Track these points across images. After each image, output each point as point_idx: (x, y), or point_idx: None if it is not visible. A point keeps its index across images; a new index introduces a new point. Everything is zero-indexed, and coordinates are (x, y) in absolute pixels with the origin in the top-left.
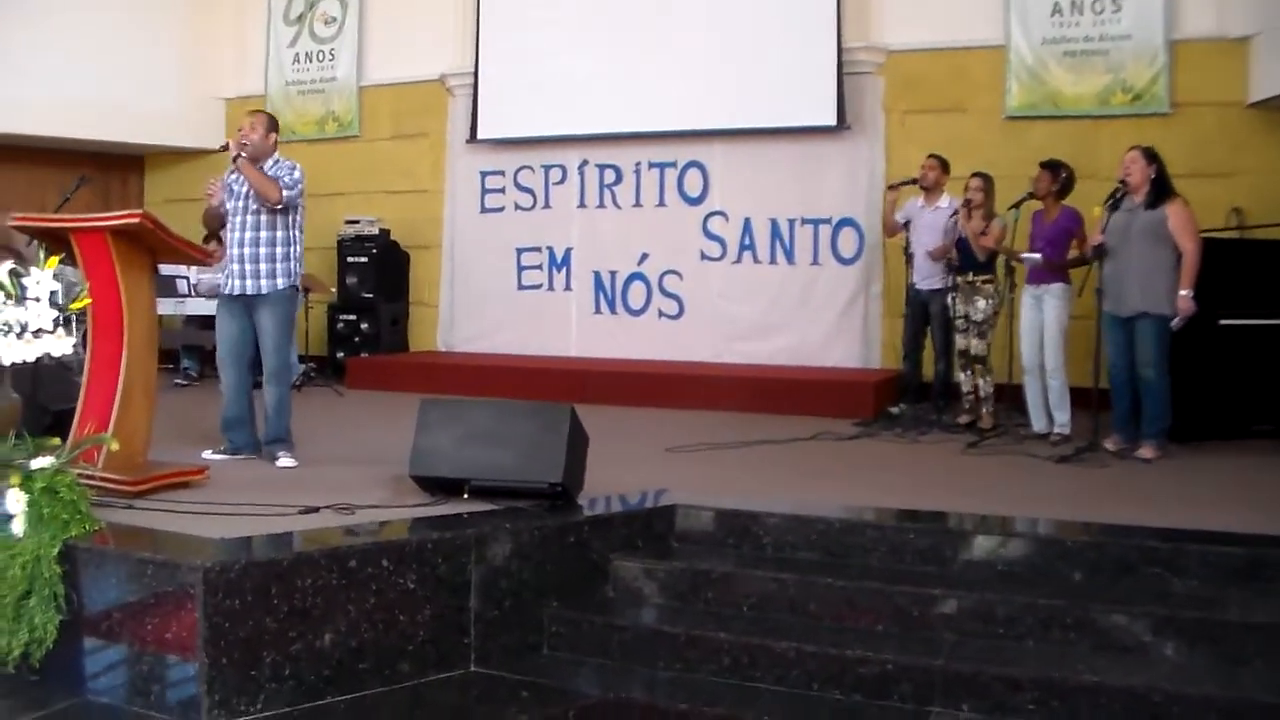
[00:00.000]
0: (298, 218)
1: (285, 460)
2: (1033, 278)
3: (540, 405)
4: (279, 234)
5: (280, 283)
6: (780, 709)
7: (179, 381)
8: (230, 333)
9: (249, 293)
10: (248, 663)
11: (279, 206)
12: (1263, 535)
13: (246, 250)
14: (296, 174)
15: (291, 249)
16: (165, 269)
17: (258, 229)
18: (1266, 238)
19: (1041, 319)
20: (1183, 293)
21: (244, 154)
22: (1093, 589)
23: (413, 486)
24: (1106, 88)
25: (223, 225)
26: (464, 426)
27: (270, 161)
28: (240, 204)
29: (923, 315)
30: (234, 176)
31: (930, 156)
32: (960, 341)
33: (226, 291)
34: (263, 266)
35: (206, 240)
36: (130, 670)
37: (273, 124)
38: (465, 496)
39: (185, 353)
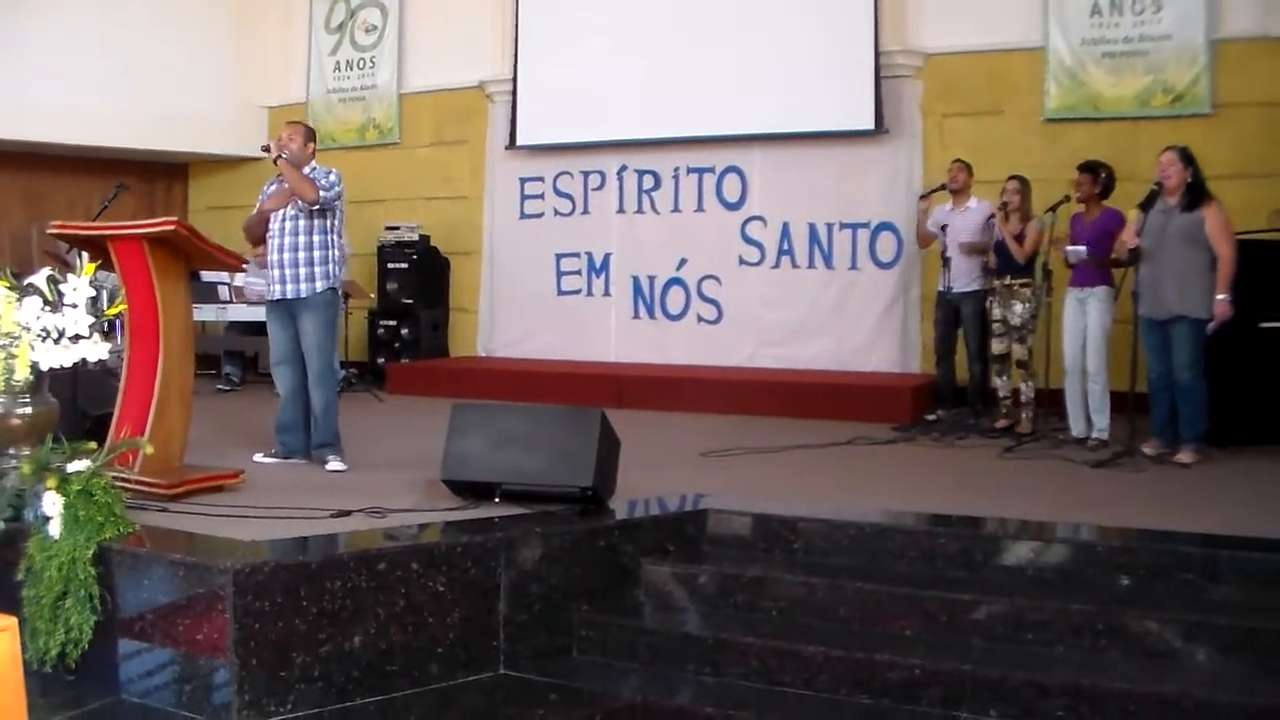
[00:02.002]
0: (336, 222)
1: (335, 464)
2: (1076, 280)
3: (571, 410)
4: (316, 238)
5: (319, 286)
6: (808, 713)
7: (221, 387)
8: (280, 338)
9: (289, 296)
10: (277, 664)
11: (316, 206)
12: None
13: (286, 255)
14: (333, 177)
15: (330, 252)
16: (207, 276)
17: (296, 234)
18: None
19: (1085, 322)
20: (1220, 297)
21: (285, 155)
22: (1125, 595)
23: (445, 491)
24: (1147, 89)
25: (265, 233)
26: (495, 431)
27: (308, 168)
28: (281, 211)
29: (954, 319)
30: (274, 186)
31: (956, 160)
32: (997, 345)
33: (270, 297)
34: (302, 270)
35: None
36: (163, 670)
37: (310, 134)
38: (496, 500)
39: (227, 359)
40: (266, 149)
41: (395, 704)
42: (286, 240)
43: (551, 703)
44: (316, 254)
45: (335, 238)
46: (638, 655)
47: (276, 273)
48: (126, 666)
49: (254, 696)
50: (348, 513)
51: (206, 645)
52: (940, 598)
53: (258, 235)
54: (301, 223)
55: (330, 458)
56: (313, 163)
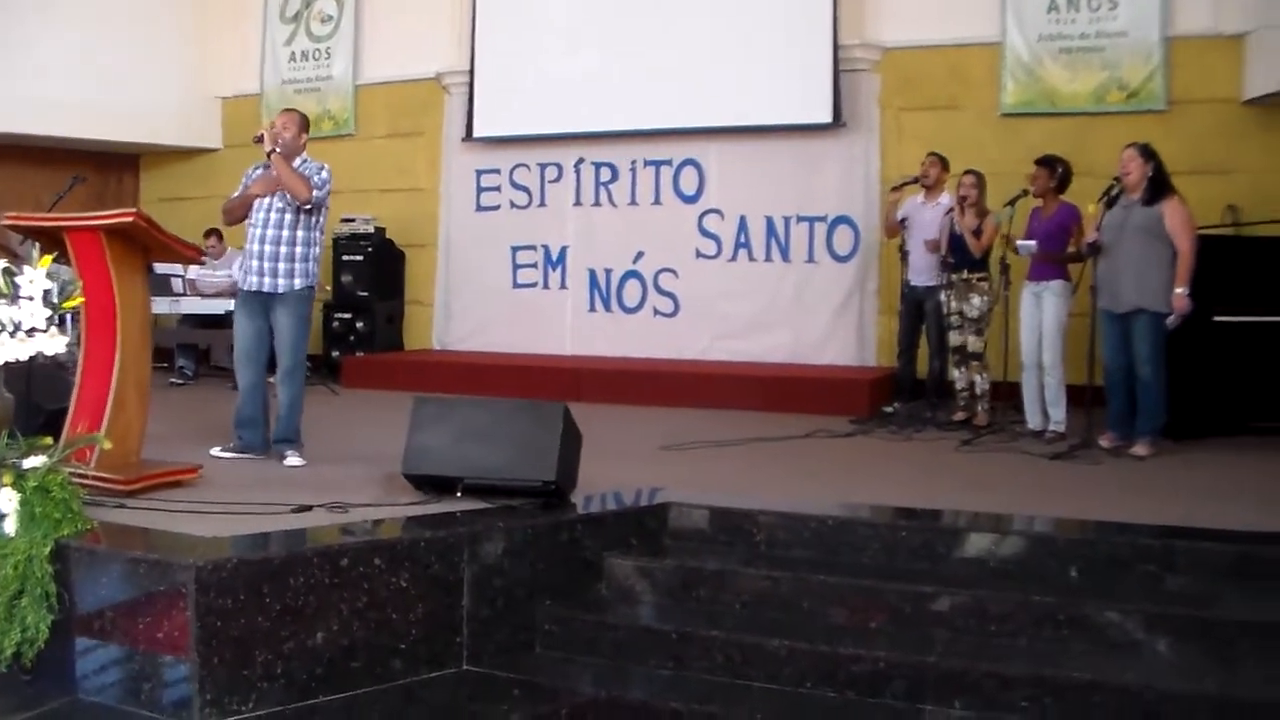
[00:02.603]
0: (320, 219)
1: (293, 459)
2: (1033, 274)
3: (533, 403)
4: (300, 233)
5: (298, 282)
6: (772, 707)
7: (175, 380)
8: (248, 330)
9: (266, 290)
10: (240, 662)
11: (306, 205)
12: (1255, 532)
13: (268, 248)
14: (325, 175)
15: (311, 249)
16: (160, 268)
17: (280, 227)
18: (1262, 235)
19: (1041, 316)
20: (1178, 291)
21: (278, 148)
22: (1086, 586)
23: (406, 485)
24: (1102, 85)
25: (245, 216)
26: (457, 425)
27: (299, 160)
28: (266, 201)
29: (917, 313)
30: (259, 172)
31: (930, 154)
32: (955, 339)
33: (245, 288)
34: (282, 265)
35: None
36: (122, 669)
37: (305, 123)
38: (458, 495)
39: (181, 352)
40: (259, 139)
41: (358, 701)
42: (269, 232)
43: (515, 698)
44: (299, 249)
45: (318, 234)
46: (601, 650)
47: (255, 264)
48: (84, 666)
49: (215, 695)
50: (309, 508)
51: (167, 643)
52: (903, 590)
53: (237, 217)
54: (287, 216)
55: (289, 453)
56: (304, 154)
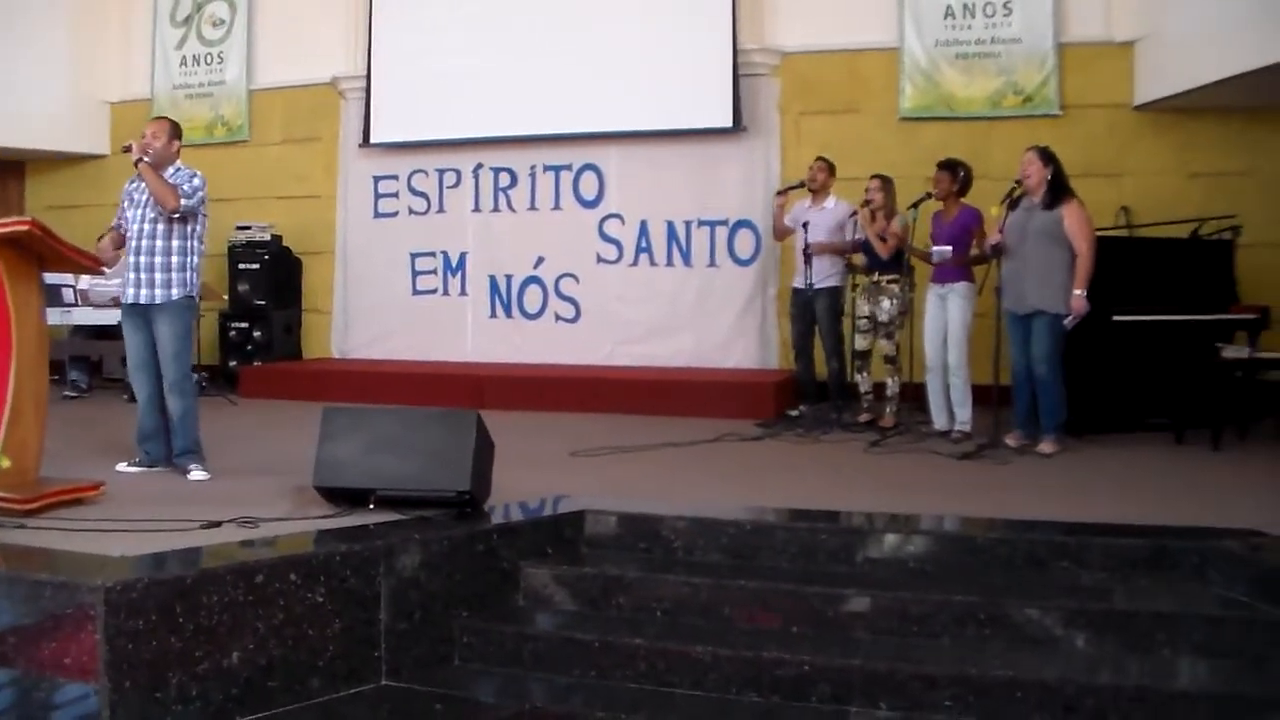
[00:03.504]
0: (197, 227)
1: (197, 473)
2: (937, 276)
3: (445, 412)
4: (175, 243)
5: (175, 292)
6: (699, 713)
7: (68, 394)
8: (135, 342)
9: (144, 301)
10: (153, 685)
11: (175, 214)
12: (1164, 526)
13: (144, 259)
14: (196, 182)
15: (189, 259)
16: (51, 278)
17: (154, 237)
18: (1154, 236)
19: (945, 317)
20: (1076, 292)
21: (146, 158)
22: (1004, 584)
23: (315, 497)
24: (998, 90)
25: (121, 245)
26: (368, 435)
27: (172, 169)
28: (140, 212)
29: (809, 314)
30: (135, 185)
31: (818, 159)
32: (860, 342)
33: (125, 300)
34: (158, 276)
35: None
36: (27, 698)
37: (176, 131)
38: (371, 507)
39: (73, 364)
40: (127, 149)
41: None
42: (144, 243)
43: (436, 713)
44: (175, 259)
45: (196, 243)
46: (522, 661)
47: (132, 275)
48: None
49: None
50: (218, 523)
51: (75, 669)
52: (824, 593)
53: (110, 259)
54: (160, 226)
55: (192, 466)
56: (178, 163)
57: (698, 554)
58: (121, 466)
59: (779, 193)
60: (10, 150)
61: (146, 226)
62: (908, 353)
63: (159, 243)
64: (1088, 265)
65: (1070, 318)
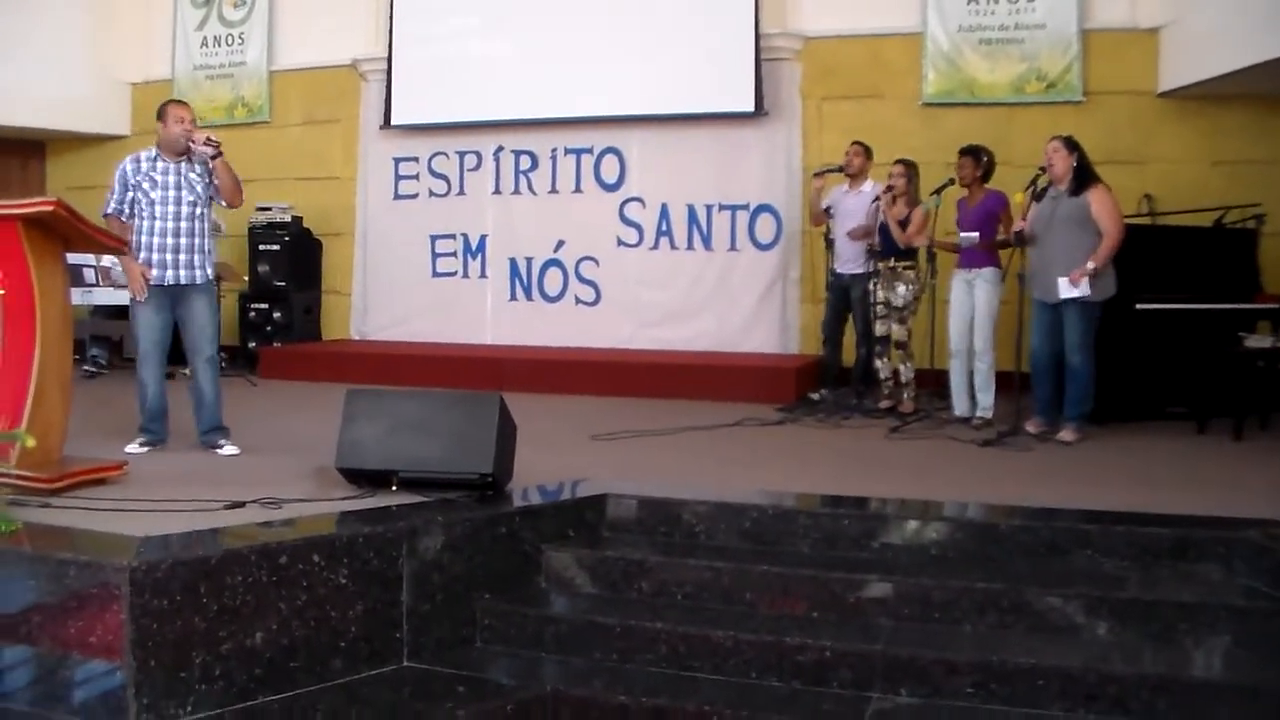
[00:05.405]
0: (209, 211)
1: (229, 449)
2: (964, 261)
3: (468, 395)
4: (206, 225)
5: (210, 273)
6: (720, 698)
7: (87, 369)
8: (156, 324)
9: (183, 283)
10: (177, 664)
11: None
12: (1186, 515)
13: (183, 240)
14: None
15: (209, 240)
16: (73, 258)
17: (193, 219)
18: (1177, 224)
19: (972, 303)
20: (1089, 265)
21: (220, 152)
22: (1026, 571)
23: (337, 478)
24: (1021, 76)
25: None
26: (391, 417)
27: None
28: (169, 194)
29: (844, 300)
30: (159, 167)
31: (855, 143)
32: (880, 327)
33: (159, 282)
34: (196, 257)
35: None
36: (53, 676)
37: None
38: (394, 488)
39: (93, 343)
40: (210, 142)
41: (299, 701)
42: (183, 225)
43: (459, 694)
44: (207, 242)
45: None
46: (543, 643)
47: (170, 257)
48: (12, 674)
49: (152, 699)
50: (241, 504)
51: (100, 648)
52: (846, 579)
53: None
54: (197, 210)
55: (223, 442)
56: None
57: (719, 538)
58: (131, 448)
59: (815, 174)
60: (31, 131)
61: (183, 209)
62: (923, 339)
63: (196, 224)
64: (1111, 246)
65: (1071, 277)
